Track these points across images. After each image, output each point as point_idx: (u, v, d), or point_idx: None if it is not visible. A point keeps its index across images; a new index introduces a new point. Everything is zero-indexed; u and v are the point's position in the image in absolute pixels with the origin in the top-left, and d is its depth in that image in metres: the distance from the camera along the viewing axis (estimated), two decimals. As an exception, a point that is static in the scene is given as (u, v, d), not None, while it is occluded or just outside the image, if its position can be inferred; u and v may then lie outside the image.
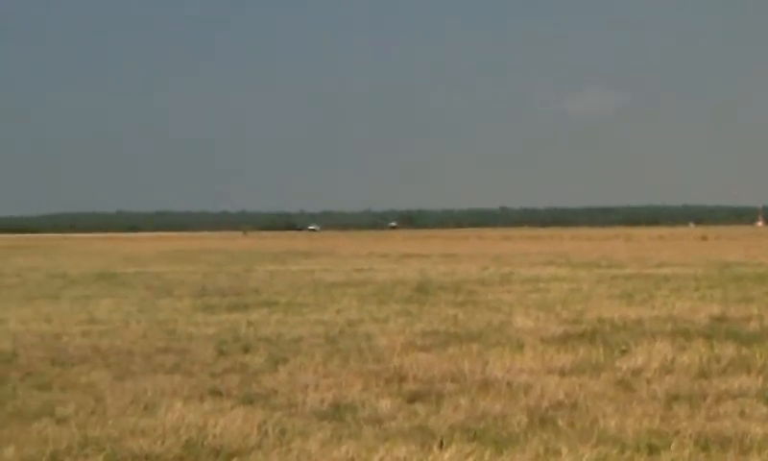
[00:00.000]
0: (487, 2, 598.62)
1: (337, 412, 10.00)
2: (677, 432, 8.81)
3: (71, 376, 12.35)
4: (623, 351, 13.88)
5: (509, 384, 11.47)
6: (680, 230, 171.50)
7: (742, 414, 9.62)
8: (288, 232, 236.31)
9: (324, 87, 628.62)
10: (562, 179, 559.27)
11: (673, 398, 10.49)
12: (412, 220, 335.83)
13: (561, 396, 10.70)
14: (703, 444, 8.44)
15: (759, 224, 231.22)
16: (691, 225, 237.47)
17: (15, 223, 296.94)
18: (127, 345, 15.22)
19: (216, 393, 11.08)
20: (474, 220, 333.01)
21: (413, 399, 10.71)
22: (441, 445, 8.50)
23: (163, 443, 8.72)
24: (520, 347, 14.53)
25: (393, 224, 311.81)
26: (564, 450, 8.20)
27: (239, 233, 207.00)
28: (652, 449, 8.28)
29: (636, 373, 12.20)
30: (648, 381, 11.60)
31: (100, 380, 12.02)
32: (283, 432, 9.09)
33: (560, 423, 9.38)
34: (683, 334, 15.59)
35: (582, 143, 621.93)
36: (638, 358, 13.11)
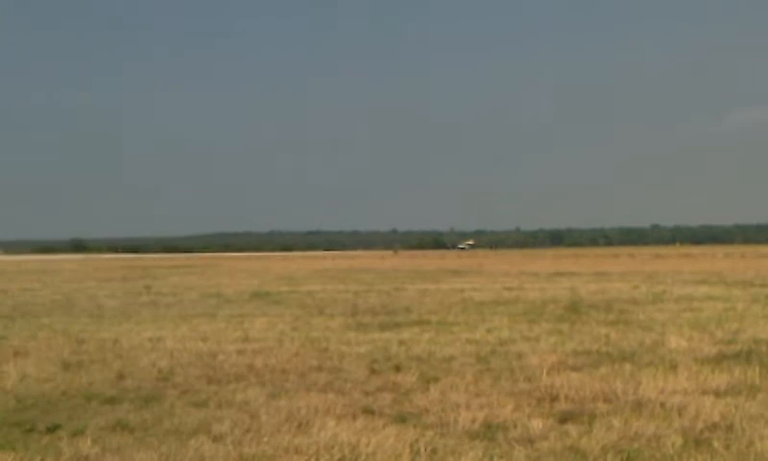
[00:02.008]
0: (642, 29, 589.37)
1: (488, 432, 9.99)
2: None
3: (227, 394, 12.58)
4: (780, 372, 13.57)
5: (662, 405, 11.29)
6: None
7: None
8: (438, 251, 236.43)
9: (478, 111, 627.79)
10: (714, 196, 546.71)
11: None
12: (561, 238, 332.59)
13: (716, 417, 10.50)
14: None
15: None
16: None
17: (172, 243, 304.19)
18: (281, 363, 15.41)
19: (368, 411, 11.17)
20: (625, 238, 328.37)
21: (564, 419, 10.63)
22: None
23: None
24: (674, 367, 14.30)
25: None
26: (721, 473, 8.05)
27: (390, 252, 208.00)
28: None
29: (795, 394, 11.90)
30: (807, 403, 11.30)
31: (255, 398, 12.22)
32: (435, 451, 9.13)
33: (715, 444, 9.21)
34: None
35: (735, 160, 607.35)
36: (797, 379, 12.79)
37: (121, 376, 14.16)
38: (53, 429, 10.35)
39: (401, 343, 18.26)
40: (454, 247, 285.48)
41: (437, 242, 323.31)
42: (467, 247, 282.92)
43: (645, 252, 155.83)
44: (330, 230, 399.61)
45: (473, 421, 10.50)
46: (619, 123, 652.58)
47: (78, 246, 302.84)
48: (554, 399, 11.92)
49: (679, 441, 9.36)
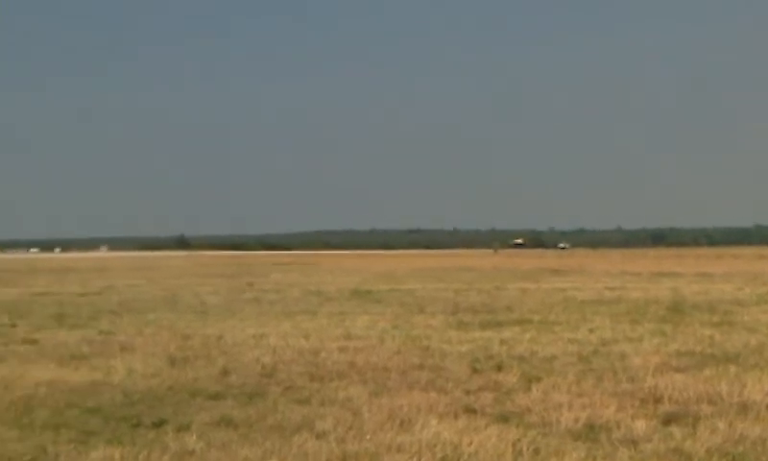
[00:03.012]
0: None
1: (591, 432, 9.92)
2: None
3: (329, 392, 12.67)
4: None
5: (768, 407, 11.11)
6: None
7: None
8: (538, 250, 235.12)
9: (577, 107, 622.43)
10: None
11: None
12: (663, 237, 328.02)
13: (823, 420, 10.31)
14: None
15: None
16: None
17: (274, 240, 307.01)
18: (382, 361, 15.47)
19: (470, 410, 11.16)
20: (728, 238, 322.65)
21: (668, 420, 10.50)
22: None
23: (419, 459, 8.87)
24: (780, 369, 14.06)
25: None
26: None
27: (490, 251, 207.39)
28: None
29: None
30: None
31: (357, 396, 12.29)
32: (537, 451, 9.10)
33: (823, 449, 9.04)
34: None
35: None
36: None
37: (225, 373, 14.35)
38: (159, 424, 10.53)
39: (503, 342, 18.21)
40: (554, 246, 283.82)
41: (536, 241, 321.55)
42: (567, 246, 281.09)
43: (749, 252, 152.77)
44: (430, 228, 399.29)
45: (576, 421, 10.44)
46: (722, 122, 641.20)
47: (182, 243, 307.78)
48: (658, 400, 11.78)
49: (786, 444, 9.21)
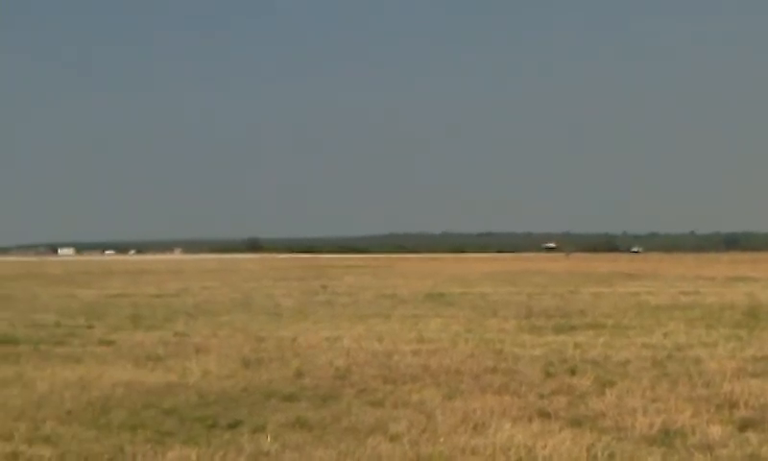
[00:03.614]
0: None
1: (666, 437, 9.84)
2: None
3: (402, 394, 12.69)
4: None
5: None
6: None
7: None
8: (610, 254, 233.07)
9: (650, 110, 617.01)
10: None
11: None
12: (737, 242, 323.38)
13: None
14: None
15: None
16: None
17: (347, 243, 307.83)
18: (455, 364, 15.46)
19: (544, 414, 11.12)
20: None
21: (744, 426, 10.39)
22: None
23: (493, 462, 8.88)
24: None
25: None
26: None
27: (562, 255, 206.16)
28: None
29: None
30: None
31: (430, 399, 12.30)
32: (612, 456, 9.05)
33: None
34: None
35: None
36: None
37: (299, 374, 14.43)
38: (234, 425, 10.62)
39: (576, 346, 18.12)
40: (628, 250, 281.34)
41: (609, 245, 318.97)
42: (640, 251, 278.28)
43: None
44: (502, 231, 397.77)
45: (651, 426, 10.36)
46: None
47: (255, 246, 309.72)
48: (733, 405, 11.66)
49: None
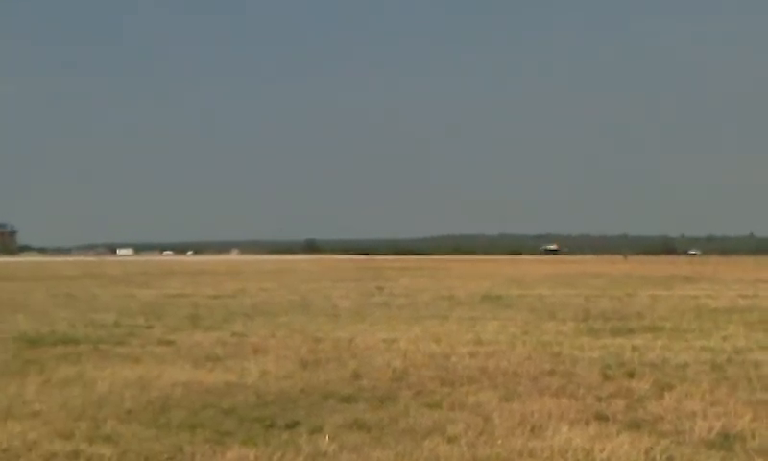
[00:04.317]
0: None
1: (726, 441, 9.78)
2: None
3: (460, 396, 12.69)
4: None
5: None
6: None
7: None
8: (668, 257, 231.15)
9: (707, 109, 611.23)
10: None
11: None
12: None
13: None
14: None
15: None
16: None
17: (403, 244, 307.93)
18: (513, 366, 15.43)
19: (602, 417, 11.09)
20: None
21: (808, 431, 10.29)
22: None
23: (551, 465, 8.88)
24: None
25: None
26: None
27: (620, 257, 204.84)
28: None
29: None
30: None
31: (487, 401, 12.29)
32: (671, 460, 9.01)
33: None
34: None
35: None
36: None
37: (357, 376, 14.48)
38: (292, 426, 10.68)
39: (634, 349, 18.02)
40: (685, 253, 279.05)
41: (667, 247, 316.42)
42: (697, 253, 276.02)
43: None
44: (560, 233, 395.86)
45: (710, 430, 10.29)
46: None
47: (311, 247, 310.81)
48: (795, 409, 11.57)
49: None
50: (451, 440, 9.88)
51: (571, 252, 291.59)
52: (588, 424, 10.71)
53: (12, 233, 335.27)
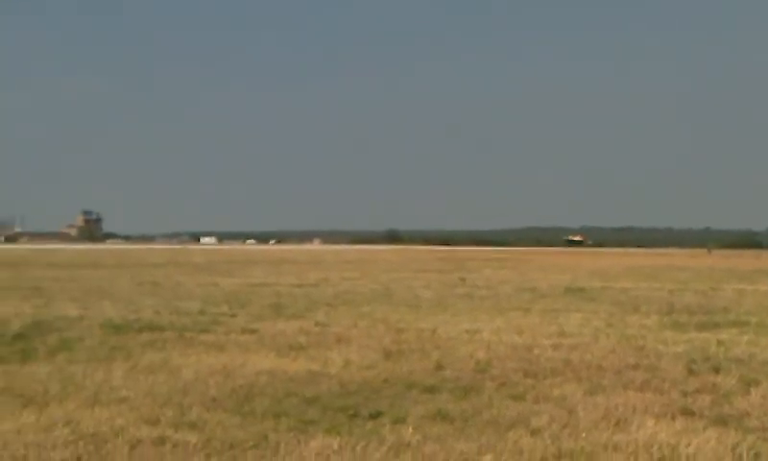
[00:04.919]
0: None
1: (814, 438, 9.65)
2: None
3: (543, 388, 12.65)
4: None
5: None
6: None
7: None
8: (752, 251, 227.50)
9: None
10: None
11: None
12: None
13: None
14: None
15: None
16: None
17: (484, 235, 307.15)
18: (596, 359, 15.34)
19: (687, 412, 10.98)
20: None
21: None
22: None
23: (636, 459, 8.80)
24: None
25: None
26: None
27: (704, 251, 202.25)
28: None
29: None
30: None
31: (571, 394, 12.23)
32: (758, 456, 8.91)
33: None
34: None
35: None
36: None
37: (439, 367, 14.48)
38: (375, 416, 10.71)
39: (720, 343, 17.81)
40: None
41: (751, 242, 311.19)
42: None
43: None
44: (643, 226, 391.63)
45: (798, 426, 10.17)
46: None
47: (393, 237, 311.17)
48: None
49: None
50: (535, 432, 9.86)
51: (649, 245, 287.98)
52: (673, 418, 10.62)
53: (98, 221, 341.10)
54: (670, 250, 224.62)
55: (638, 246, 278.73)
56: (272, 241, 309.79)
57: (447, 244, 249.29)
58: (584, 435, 9.70)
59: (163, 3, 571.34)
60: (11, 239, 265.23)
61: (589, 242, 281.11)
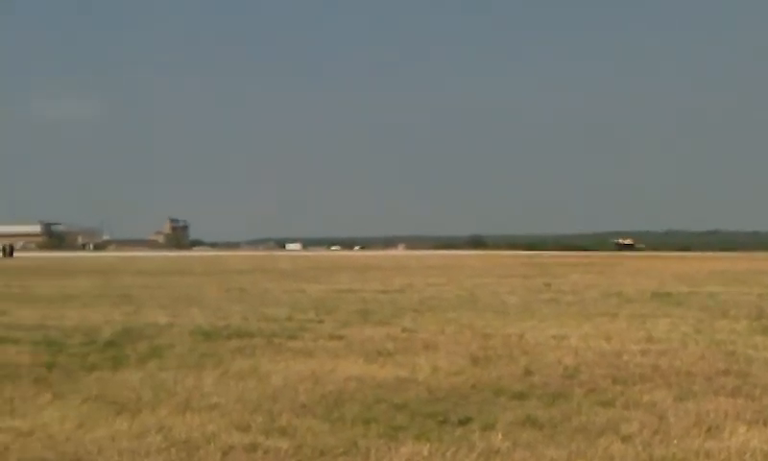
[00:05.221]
0: None
1: None
2: None
3: (633, 395, 12.58)
4: None
5: None
6: None
7: None
8: None
9: None
10: None
11: None
12: None
13: None
14: None
15: None
16: None
17: (568, 240, 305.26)
18: (686, 365, 15.20)
19: (782, 419, 10.86)
20: None
21: None
22: None
23: (729, 467, 8.76)
24: None
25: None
26: None
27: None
28: None
29: None
30: None
31: (661, 400, 12.16)
32: None
33: None
34: None
35: None
36: None
37: (528, 373, 14.47)
38: (465, 422, 10.75)
39: (810, 349, 17.56)
40: None
41: None
42: None
43: None
44: (729, 229, 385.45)
45: None
46: None
47: (477, 242, 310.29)
48: None
49: None
50: (626, 439, 9.83)
51: (740, 248, 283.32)
52: (765, 425, 10.53)
53: (185, 228, 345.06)
54: (757, 253, 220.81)
55: (722, 249, 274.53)
56: (356, 247, 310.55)
57: (532, 249, 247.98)
58: (675, 442, 9.65)
59: (256, 5, 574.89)
60: (99, 247, 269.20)
61: (642, 246, 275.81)
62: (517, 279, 51.92)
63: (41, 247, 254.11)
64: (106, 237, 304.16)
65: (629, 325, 22.42)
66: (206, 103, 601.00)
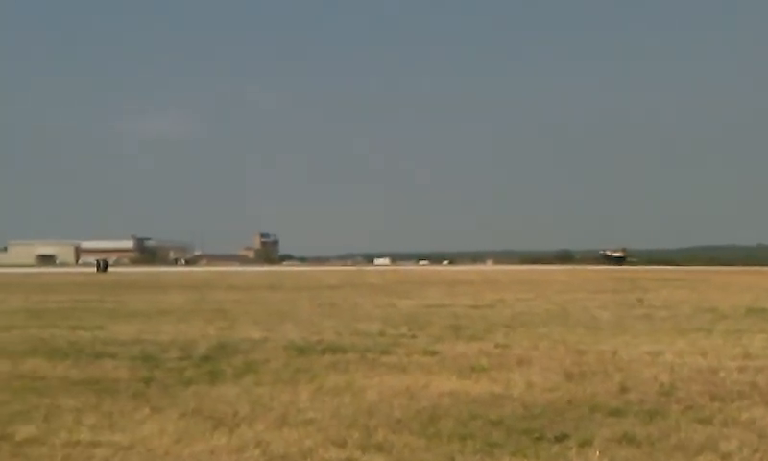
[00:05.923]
0: None
1: None
2: None
3: (731, 412, 12.45)
4: None
5: None
6: None
7: None
8: None
9: None
10: None
11: None
12: None
13: None
14: None
15: None
16: None
17: (658, 255, 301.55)
18: (791, 384, 15.02)
19: None
20: None
21: None
22: None
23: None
24: None
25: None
26: None
27: None
28: None
29: None
30: None
31: (761, 417, 12.03)
32: None
33: None
34: None
35: None
36: None
37: (623, 389, 14.38)
38: (561, 439, 10.72)
39: None
40: None
41: None
42: None
43: None
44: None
45: None
46: None
47: (565, 257, 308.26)
48: None
49: None
50: (725, 457, 9.75)
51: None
52: None
53: (275, 243, 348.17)
54: None
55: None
56: (445, 262, 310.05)
57: (620, 263, 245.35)
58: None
59: (338, 19, 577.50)
60: (191, 262, 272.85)
61: (634, 259, 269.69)
62: (608, 295, 51.49)
63: (134, 262, 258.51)
64: (197, 252, 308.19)
65: (724, 341, 22.15)
66: (292, 115, 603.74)
